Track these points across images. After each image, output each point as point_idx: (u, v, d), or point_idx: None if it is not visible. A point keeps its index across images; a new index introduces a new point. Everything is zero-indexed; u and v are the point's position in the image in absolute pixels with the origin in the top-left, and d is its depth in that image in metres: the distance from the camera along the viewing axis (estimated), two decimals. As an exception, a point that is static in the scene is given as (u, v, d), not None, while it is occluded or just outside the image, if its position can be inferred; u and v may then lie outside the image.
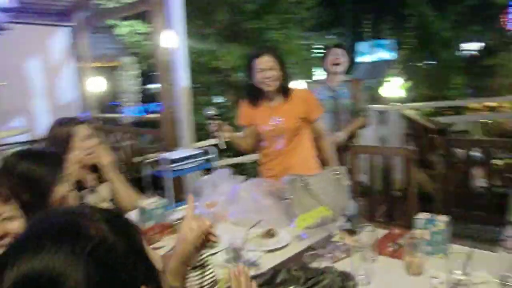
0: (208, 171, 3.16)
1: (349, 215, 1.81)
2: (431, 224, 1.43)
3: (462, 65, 6.56)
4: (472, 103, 5.99)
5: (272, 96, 2.27)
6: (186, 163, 3.05)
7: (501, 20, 6.34)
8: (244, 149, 2.45)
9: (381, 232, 1.69)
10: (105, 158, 1.89)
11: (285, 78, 2.26)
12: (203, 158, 3.17)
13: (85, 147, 1.84)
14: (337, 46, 3.14)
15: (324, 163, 2.36)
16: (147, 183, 3.10)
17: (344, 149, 2.95)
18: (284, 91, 2.26)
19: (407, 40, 6.31)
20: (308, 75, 7.02)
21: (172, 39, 4.55)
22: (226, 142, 2.26)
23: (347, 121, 3.02)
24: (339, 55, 3.06)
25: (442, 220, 1.43)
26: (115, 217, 0.64)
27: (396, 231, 1.60)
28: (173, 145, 4.69)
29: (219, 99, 7.81)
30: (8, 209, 1.14)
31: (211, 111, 2.20)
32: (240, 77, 7.06)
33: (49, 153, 1.52)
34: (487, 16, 6.59)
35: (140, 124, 6.38)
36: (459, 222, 2.57)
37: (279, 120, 2.25)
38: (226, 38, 6.99)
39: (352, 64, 3.23)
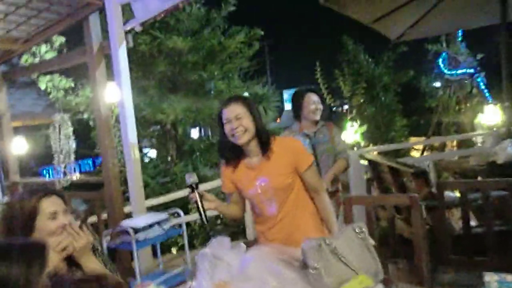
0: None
1: (382, 279, 1.58)
2: (506, 287, 1.24)
3: (402, 108, 7.00)
4: (416, 144, 6.34)
5: (250, 152, 1.97)
6: (152, 231, 2.63)
7: (437, 64, 6.95)
8: (234, 218, 2.12)
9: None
10: (81, 239, 1.48)
11: (262, 130, 1.94)
12: (170, 223, 2.76)
13: (54, 227, 1.43)
14: (311, 91, 3.04)
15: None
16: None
17: (330, 197, 2.77)
18: (262, 145, 1.95)
19: (355, 86, 6.60)
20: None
21: (116, 92, 4.23)
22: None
23: (328, 167, 2.90)
24: (317, 102, 2.97)
25: (515, 279, 1.26)
26: None
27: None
28: (119, 207, 4.22)
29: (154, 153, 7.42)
30: None
31: (192, 178, 1.87)
32: (182, 131, 6.81)
33: (22, 244, 1.12)
34: (422, 61, 7.24)
35: (74, 186, 5.72)
36: (464, 270, 2.49)
37: (264, 181, 1.94)
38: (167, 90, 6.77)
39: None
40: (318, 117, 3.00)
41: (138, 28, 4.16)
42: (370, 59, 6.87)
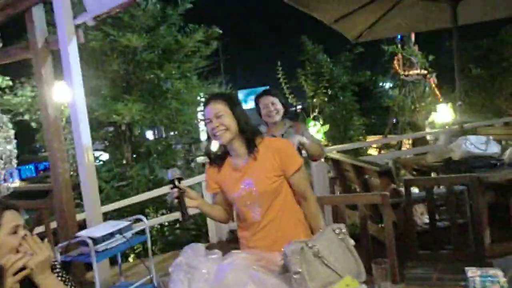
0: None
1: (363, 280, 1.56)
2: (491, 282, 1.26)
3: (359, 107, 7.21)
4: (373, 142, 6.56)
5: (235, 152, 1.89)
6: (114, 241, 2.47)
7: (393, 65, 7.21)
8: (219, 219, 2.02)
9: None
10: (39, 256, 1.35)
11: (245, 128, 1.85)
12: (132, 230, 2.62)
13: (16, 243, 1.30)
14: (267, 93, 2.97)
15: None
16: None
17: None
18: (247, 144, 1.86)
19: (317, 85, 6.68)
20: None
21: (67, 91, 3.99)
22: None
23: None
24: (270, 105, 2.91)
25: (499, 274, 1.28)
26: None
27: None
28: (72, 215, 3.98)
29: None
30: None
31: (175, 173, 1.77)
32: (139, 132, 6.53)
33: None
34: (379, 62, 7.50)
35: (16, 194, 5.29)
36: (430, 265, 2.56)
37: (249, 184, 1.85)
38: (120, 89, 6.49)
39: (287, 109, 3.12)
40: (274, 119, 2.95)
41: (91, 23, 3.93)
42: (329, 59, 7.02)
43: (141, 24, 6.44)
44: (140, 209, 5.93)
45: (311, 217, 1.93)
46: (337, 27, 4.87)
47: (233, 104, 1.87)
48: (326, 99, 6.63)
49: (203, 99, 6.74)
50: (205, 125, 1.87)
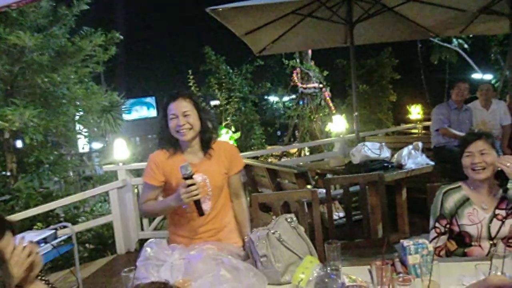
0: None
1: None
2: (421, 248, 1.60)
3: (259, 117, 7.67)
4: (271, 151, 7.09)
5: (191, 148, 2.01)
6: (40, 250, 2.33)
7: (293, 79, 7.82)
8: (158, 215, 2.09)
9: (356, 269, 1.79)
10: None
11: (205, 129, 2.01)
12: (59, 239, 2.50)
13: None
14: None
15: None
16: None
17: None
18: (204, 143, 2.03)
19: (228, 94, 6.89)
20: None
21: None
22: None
23: None
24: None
25: (426, 242, 1.64)
26: None
27: (378, 262, 1.71)
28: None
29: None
30: None
31: (188, 167, 1.81)
32: (30, 140, 5.89)
33: None
34: (280, 74, 8.06)
35: None
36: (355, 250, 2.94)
37: (204, 178, 1.99)
38: (4, 93, 5.84)
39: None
40: None
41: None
42: (231, 71, 7.35)
43: (31, 22, 5.92)
44: (29, 225, 5.41)
45: (242, 212, 2.18)
46: (246, 40, 5.22)
47: (199, 105, 2.01)
48: (236, 106, 6.92)
49: (104, 107, 6.44)
50: (168, 119, 1.96)
